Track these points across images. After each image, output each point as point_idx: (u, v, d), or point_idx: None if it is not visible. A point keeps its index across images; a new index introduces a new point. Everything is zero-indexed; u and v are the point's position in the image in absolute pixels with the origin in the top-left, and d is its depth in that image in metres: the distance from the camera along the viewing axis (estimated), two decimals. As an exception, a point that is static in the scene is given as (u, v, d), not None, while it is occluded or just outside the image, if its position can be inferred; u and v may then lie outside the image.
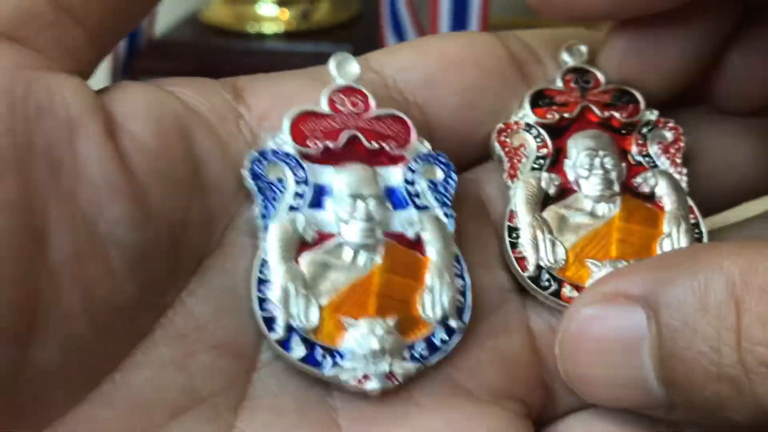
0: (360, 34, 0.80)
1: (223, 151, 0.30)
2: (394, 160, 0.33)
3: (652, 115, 0.37)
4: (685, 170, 0.36)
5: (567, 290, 0.33)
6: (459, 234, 0.33)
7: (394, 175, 0.32)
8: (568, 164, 0.35)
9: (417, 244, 0.32)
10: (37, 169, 0.25)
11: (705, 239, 0.35)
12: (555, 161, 0.35)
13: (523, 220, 0.34)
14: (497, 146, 0.35)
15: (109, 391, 0.27)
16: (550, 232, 0.34)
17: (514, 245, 0.33)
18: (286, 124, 0.31)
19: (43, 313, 0.25)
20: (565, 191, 0.35)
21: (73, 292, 0.26)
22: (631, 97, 0.37)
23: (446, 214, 0.32)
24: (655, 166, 0.36)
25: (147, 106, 0.29)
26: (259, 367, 0.29)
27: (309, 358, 0.29)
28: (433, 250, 0.32)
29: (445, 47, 0.36)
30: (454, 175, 0.33)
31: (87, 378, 0.27)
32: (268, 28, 0.79)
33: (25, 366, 0.25)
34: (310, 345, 0.29)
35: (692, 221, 0.35)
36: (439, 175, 0.33)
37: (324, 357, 0.29)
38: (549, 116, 0.36)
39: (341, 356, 0.29)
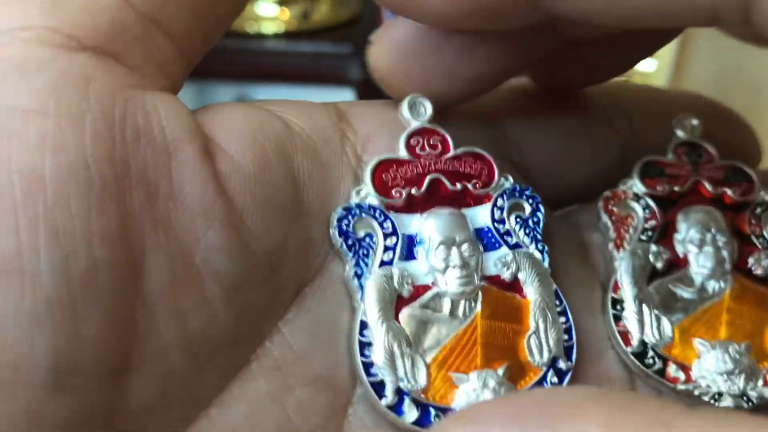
0: (360, 34, 0.78)
1: (325, 175, 0.29)
2: (479, 199, 0.31)
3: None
4: (546, 248, 0.32)
5: (672, 370, 0.31)
6: (558, 273, 0.31)
7: (482, 215, 0.31)
8: (677, 239, 0.33)
9: (514, 285, 0.30)
10: (134, 196, 0.24)
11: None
12: (664, 234, 0.33)
13: (629, 292, 0.31)
14: (603, 214, 0.33)
15: (205, 427, 0.26)
16: (656, 306, 0.32)
17: (617, 318, 0.31)
18: (367, 176, 0.30)
19: (140, 347, 0.24)
20: (672, 266, 0.33)
21: (170, 324, 0.25)
22: (745, 175, 0.35)
23: (539, 250, 0.31)
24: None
25: (246, 127, 0.28)
26: (355, 402, 0.28)
27: (423, 420, 0.28)
28: (531, 290, 0.30)
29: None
30: (542, 208, 0.31)
31: (183, 414, 0.26)
32: (268, 28, 0.78)
33: (121, 402, 0.24)
34: (422, 407, 0.28)
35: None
36: (527, 210, 0.31)
37: (437, 418, 0.28)
38: (659, 188, 0.34)
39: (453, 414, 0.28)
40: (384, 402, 0.27)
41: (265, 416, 0.27)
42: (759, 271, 0.33)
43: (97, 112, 0.24)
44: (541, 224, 0.31)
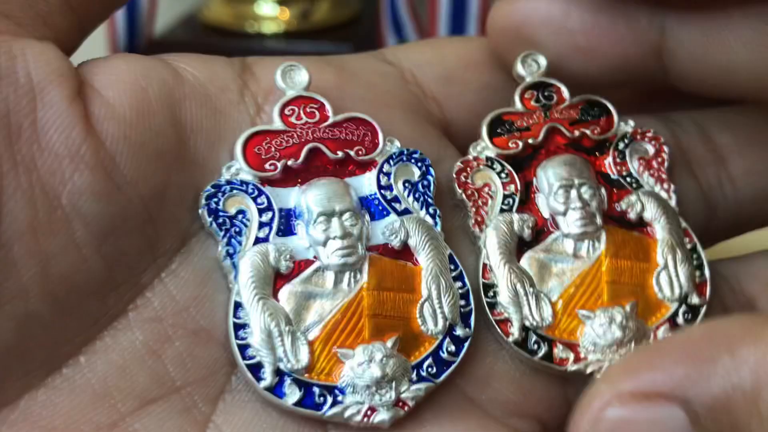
0: (359, 34, 0.78)
1: (217, 123, 0.28)
2: (364, 166, 0.30)
3: (628, 127, 0.33)
4: (672, 186, 0.32)
5: (559, 350, 0.29)
6: (455, 236, 0.30)
7: (367, 183, 0.29)
8: (540, 199, 0.31)
9: (405, 252, 0.29)
10: None
11: (706, 265, 0.31)
12: (525, 198, 0.31)
13: (500, 274, 0.29)
14: (458, 190, 0.31)
15: (70, 375, 0.25)
16: (532, 284, 0.29)
17: (492, 306, 0.29)
18: (238, 150, 0.28)
19: None
20: (540, 232, 0.30)
21: (29, 266, 0.24)
22: (602, 108, 0.32)
23: (431, 214, 0.29)
24: (639, 185, 0.32)
25: (128, 72, 0.27)
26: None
27: (306, 401, 0.26)
28: (423, 256, 0.29)
29: (463, 47, 0.35)
30: (432, 171, 0.30)
31: (45, 360, 0.25)
32: (268, 28, 0.77)
33: None
34: (304, 386, 0.26)
35: (689, 246, 0.31)
36: (416, 173, 0.30)
37: (322, 396, 0.26)
38: (512, 145, 0.31)
39: (342, 392, 0.26)
40: (262, 384, 0.26)
41: (139, 366, 0.26)
42: (632, 216, 0.31)
43: None
44: (432, 187, 0.30)
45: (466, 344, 0.28)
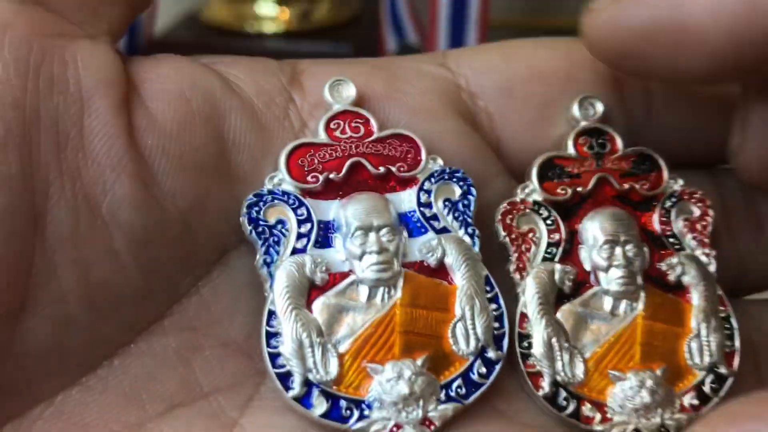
0: (360, 34, 0.79)
1: (261, 138, 0.29)
2: (405, 182, 0.30)
3: (677, 185, 0.32)
4: (713, 252, 0.31)
5: (587, 409, 0.28)
6: (494, 258, 0.29)
7: (407, 199, 0.30)
8: (583, 251, 0.30)
9: (441, 271, 0.29)
10: (42, 144, 0.24)
11: (737, 335, 0.30)
12: (569, 248, 0.30)
13: (536, 326, 0.29)
14: (502, 232, 0.30)
15: (104, 376, 0.26)
16: (567, 339, 0.29)
17: (525, 357, 0.29)
18: (281, 161, 0.29)
19: (36, 292, 0.24)
20: (580, 285, 0.30)
21: (70, 272, 0.25)
22: (653, 163, 0.32)
23: (470, 234, 0.29)
24: (681, 248, 0.31)
25: (174, 81, 0.28)
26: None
27: (333, 413, 0.26)
28: (459, 276, 0.29)
29: (533, 54, 0.32)
30: (473, 191, 0.30)
31: (82, 361, 0.26)
32: (268, 28, 0.78)
33: (13, 344, 0.24)
34: (332, 398, 0.26)
35: (722, 314, 0.30)
36: (457, 192, 0.30)
37: (349, 410, 0.26)
38: (560, 191, 0.31)
39: (369, 407, 0.27)
40: (291, 393, 0.26)
41: (170, 372, 0.26)
42: (671, 278, 0.30)
43: (9, 59, 0.24)
44: (472, 207, 0.30)
45: (498, 367, 0.28)
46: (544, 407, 0.28)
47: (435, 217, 0.29)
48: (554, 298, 0.29)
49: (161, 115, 0.27)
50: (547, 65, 0.32)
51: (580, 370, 0.28)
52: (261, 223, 0.28)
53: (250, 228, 0.28)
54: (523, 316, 0.29)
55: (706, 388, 0.29)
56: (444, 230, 0.29)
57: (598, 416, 0.28)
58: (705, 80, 0.28)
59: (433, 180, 0.30)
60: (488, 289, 0.29)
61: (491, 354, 0.28)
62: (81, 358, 0.26)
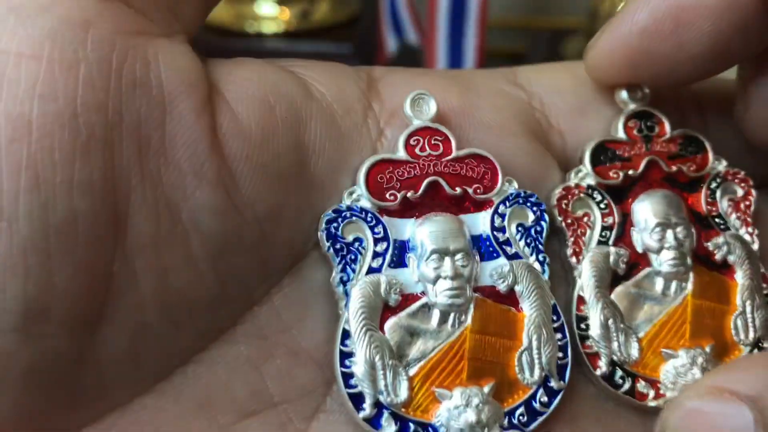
0: (359, 34, 0.78)
1: (340, 146, 0.28)
2: (480, 205, 0.30)
3: (721, 166, 0.33)
4: (756, 231, 0.32)
5: (641, 386, 0.30)
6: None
7: (481, 222, 0.30)
8: (635, 233, 0.31)
9: (510, 297, 0.29)
10: (124, 148, 0.24)
11: None
12: (622, 230, 0.31)
13: (593, 308, 0.30)
14: (558, 217, 0.31)
15: (178, 384, 0.26)
16: (623, 320, 0.30)
17: (583, 338, 0.30)
18: (361, 177, 0.28)
19: (115, 300, 0.24)
20: (633, 266, 0.31)
21: (149, 279, 0.24)
22: (699, 145, 0.32)
23: (540, 261, 0.29)
24: (726, 227, 0.32)
25: (259, 86, 0.27)
26: (335, 391, 0.28)
27: None
28: (527, 304, 0.29)
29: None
30: (546, 217, 0.30)
31: (157, 369, 0.26)
32: (268, 28, 0.78)
33: (91, 352, 0.24)
34: (401, 421, 0.27)
35: (766, 291, 0.31)
36: (530, 218, 0.30)
37: (417, 433, 0.27)
38: (613, 175, 0.31)
39: (435, 430, 0.27)
40: (362, 414, 0.27)
41: (241, 380, 0.27)
42: (718, 257, 0.31)
43: (93, 59, 0.23)
44: (545, 234, 0.30)
45: (559, 396, 0.28)
46: (602, 386, 0.29)
47: (508, 242, 0.29)
48: (609, 280, 0.30)
49: (246, 121, 0.26)
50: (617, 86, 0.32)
51: (635, 349, 0.30)
52: (339, 239, 0.28)
53: (328, 244, 0.28)
54: (581, 299, 0.30)
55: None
56: (516, 256, 0.29)
57: (651, 393, 0.30)
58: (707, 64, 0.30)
59: (507, 203, 0.30)
60: (555, 318, 0.29)
61: (554, 384, 0.28)
62: (156, 365, 0.26)
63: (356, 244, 0.28)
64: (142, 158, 0.24)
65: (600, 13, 0.78)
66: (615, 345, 0.29)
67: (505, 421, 0.28)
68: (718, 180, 0.32)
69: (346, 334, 0.27)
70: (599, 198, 0.31)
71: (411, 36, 0.71)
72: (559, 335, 0.29)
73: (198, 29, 0.28)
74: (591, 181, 0.31)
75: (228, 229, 0.26)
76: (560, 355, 0.29)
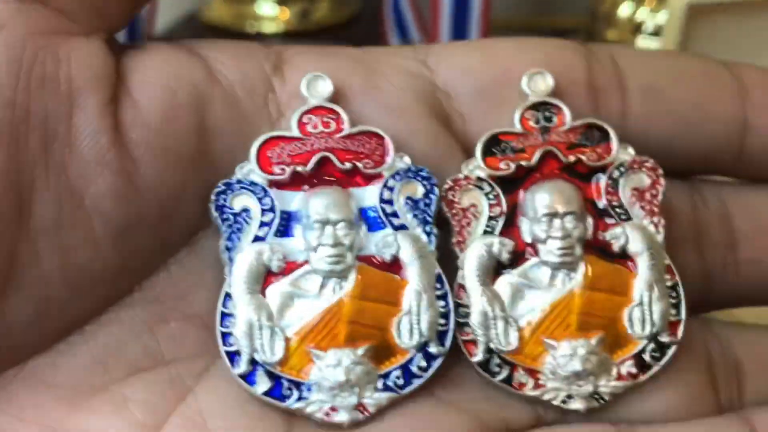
0: (360, 33, 0.78)
1: (240, 127, 0.30)
2: (370, 179, 0.31)
3: (626, 155, 0.32)
4: (662, 221, 0.31)
5: (519, 375, 0.30)
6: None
7: (370, 196, 0.31)
8: (524, 224, 0.31)
9: (395, 266, 0.30)
10: (30, 141, 0.26)
11: (683, 305, 0.30)
12: (510, 221, 0.31)
13: (473, 295, 0.30)
14: (444, 208, 0.31)
15: (75, 342, 0.28)
16: (503, 308, 0.30)
17: (462, 326, 0.30)
18: (252, 152, 0.30)
19: (19, 275, 0.26)
20: (519, 256, 0.31)
21: (52, 257, 0.27)
22: (603, 133, 0.31)
23: (427, 232, 0.31)
24: (628, 218, 0.31)
25: (162, 74, 0.29)
26: None
27: (274, 392, 0.29)
28: (411, 272, 0.30)
29: (514, 55, 0.32)
30: (436, 190, 0.31)
31: (57, 330, 0.28)
32: (268, 28, 0.79)
33: None
34: (275, 378, 0.29)
35: (669, 283, 0.30)
36: (420, 191, 0.31)
37: (290, 390, 0.29)
38: (503, 167, 0.31)
39: (308, 389, 0.29)
40: (236, 370, 0.29)
41: (135, 340, 0.29)
42: (615, 248, 0.31)
43: (2, 60, 0.26)
44: (433, 206, 0.31)
45: (438, 361, 0.29)
46: (478, 373, 0.30)
47: (395, 214, 0.31)
48: (492, 269, 0.31)
49: (147, 109, 0.28)
50: (525, 69, 0.32)
51: (514, 338, 0.30)
52: (227, 210, 0.30)
53: (216, 215, 0.30)
54: (461, 287, 0.30)
55: (646, 357, 0.30)
56: (402, 227, 0.31)
57: (531, 382, 0.30)
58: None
59: (397, 177, 0.31)
60: (438, 286, 0.30)
61: (433, 349, 0.29)
62: (57, 328, 0.28)
63: (243, 214, 0.30)
64: (47, 150, 0.27)
65: (600, 13, 0.76)
66: (493, 333, 0.30)
67: (380, 383, 0.29)
68: (622, 169, 0.31)
69: (228, 297, 0.29)
70: (488, 189, 0.31)
71: (414, 35, 0.72)
72: (441, 302, 0.30)
73: (124, 26, 0.30)
74: (481, 173, 0.31)
75: (130, 211, 0.28)
76: (442, 321, 0.30)
